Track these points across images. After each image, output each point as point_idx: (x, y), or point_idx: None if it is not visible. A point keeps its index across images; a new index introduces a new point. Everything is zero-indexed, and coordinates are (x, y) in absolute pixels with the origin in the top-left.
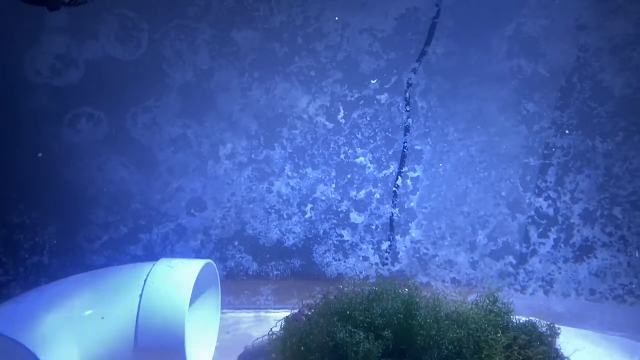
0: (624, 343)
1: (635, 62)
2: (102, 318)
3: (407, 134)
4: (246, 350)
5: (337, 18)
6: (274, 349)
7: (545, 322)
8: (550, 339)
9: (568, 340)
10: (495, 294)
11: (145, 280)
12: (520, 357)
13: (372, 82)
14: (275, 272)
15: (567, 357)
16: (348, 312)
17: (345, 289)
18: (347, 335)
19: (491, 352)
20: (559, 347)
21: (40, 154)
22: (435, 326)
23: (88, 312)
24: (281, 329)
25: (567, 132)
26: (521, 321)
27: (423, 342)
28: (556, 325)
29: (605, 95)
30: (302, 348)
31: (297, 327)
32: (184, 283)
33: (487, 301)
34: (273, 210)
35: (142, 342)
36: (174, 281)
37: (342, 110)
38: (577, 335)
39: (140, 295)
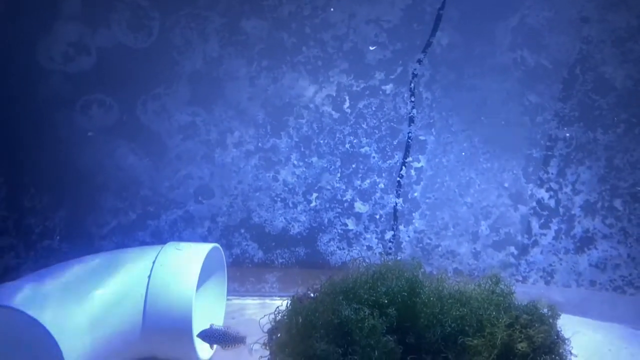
0: (622, 331)
1: (637, 54)
2: (112, 298)
3: (412, 124)
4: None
5: (332, 9)
6: (280, 328)
7: (546, 304)
8: (551, 321)
9: (567, 326)
10: (498, 276)
11: (153, 262)
12: (522, 336)
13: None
14: (281, 260)
15: (567, 339)
16: (353, 291)
17: (351, 270)
18: (352, 312)
19: (493, 330)
20: (560, 329)
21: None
22: (439, 304)
23: (99, 292)
24: (287, 308)
25: (569, 124)
26: (523, 303)
27: (426, 321)
28: (557, 308)
29: (607, 88)
30: (308, 325)
31: (303, 306)
32: (191, 264)
33: (490, 282)
34: (279, 199)
35: (150, 321)
36: (181, 262)
37: (348, 100)
38: (576, 322)
39: (149, 277)
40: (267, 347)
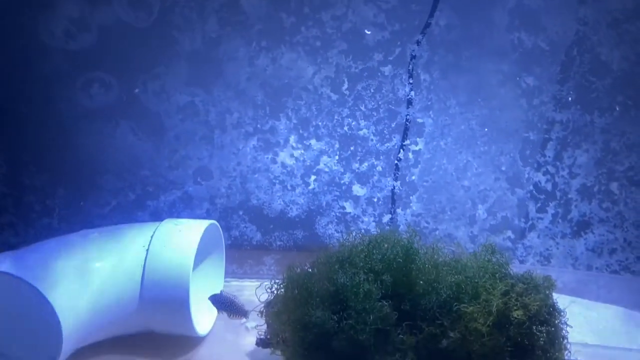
0: (618, 311)
1: (633, 35)
2: (110, 270)
3: (410, 106)
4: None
5: None
6: (276, 296)
7: (541, 275)
8: (547, 291)
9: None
10: (494, 245)
11: (151, 236)
12: (518, 304)
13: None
14: (279, 243)
15: (563, 310)
16: (349, 260)
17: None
18: (348, 279)
19: (489, 297)
20: (555, 301)
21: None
22: (434, 272)
23: (97, 264)
24: (283, 277)
25: (566, 106)
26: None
27: (422, 288)
28: (552, 279)
29: (603, 69)
30: (304, 293)
31: (299, 274)
32: (189, 238)
33: (485, 252)
34: (277, 181)
35: (147, 294)
36: (180, 236)
37: (346, 82)
38: (572, 302)
39: (147, 250)
40: (264, 317)
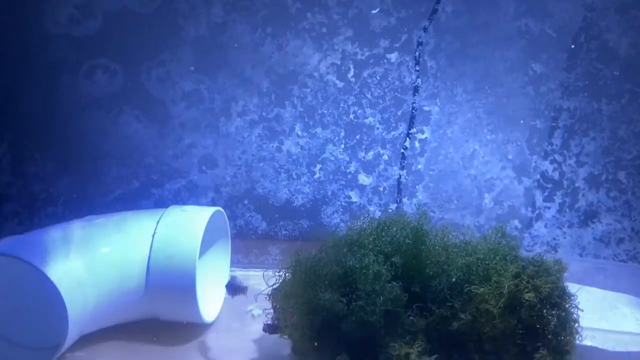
0: (629, 299)
1: None
2: (116, 256)
3: (416, 94)
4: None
5: None
6: (283, 283)
7: (552, 258)
8: (558, 274)
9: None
10: (504, 228)
11: (157, 222)
12: (529, 286)
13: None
14: (284, 232)
15: (574, 295)
16: (358, 242)
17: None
18: (357, 261)
19: (500, 279)
20: (566, 285)
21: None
22: (444, 253)
23: (103, 250)
24: (291, 261)
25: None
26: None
27: (431, 271)
28: (563, 262)
29: (611, 56)
30: (312, 276)
31: (307, 257)
32: (195, 223)
33: (496, 235)
34: (283, 170)
35: (153, 280)
36: (186, 222)
37: (352, 69)
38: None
39: (153, 235)
40: (270, 300)
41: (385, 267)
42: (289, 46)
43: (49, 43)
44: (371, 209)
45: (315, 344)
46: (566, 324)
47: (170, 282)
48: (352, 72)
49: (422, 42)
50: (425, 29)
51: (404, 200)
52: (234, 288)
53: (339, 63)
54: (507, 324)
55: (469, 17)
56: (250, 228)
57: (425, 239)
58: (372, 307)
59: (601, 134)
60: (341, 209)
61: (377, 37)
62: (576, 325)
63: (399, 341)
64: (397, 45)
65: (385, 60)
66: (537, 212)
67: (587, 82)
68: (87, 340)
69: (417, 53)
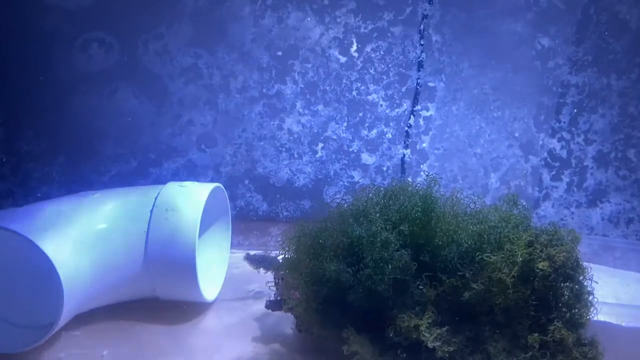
0: (639, 277)
1: None
2: (113, 233)
3: (421, 69)
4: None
5: None
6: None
7: (565, 228)
8: (571, 244)
9: None
10: (516, 196)
11: (156, 198)
12: (543, 255)
13: None
14: (285, 213)
15: (588, 266)
16: (364, 213)
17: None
18: (364, 230)
19: (513, 247)
20: (579, 257)
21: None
22: (454, 221)
23: (100, 226)
24: (296, 231)
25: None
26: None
27: (441, 240)
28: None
29: (621, 29)
30: (317, 247)
31: (311, 229)
32: (195, 199)
33: (507, 203)
34: (284, 149)
35: (152, 258)
36: (185, 198)
37: (355, 43)
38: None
39: (151, 211)
40: (274, 273)
41: (393, 235)
42: (290, 19)
43: (42, 15)
44: None
45: (320, 317)
46: (580, 295)
47: (170, 258)
48: (355, 47)
49: (427, 14)
50: (430, 1)
51: (408, 180)
52: (255, 260)
53: (341, 37)
54: (521, 294)
55: None
56: (250, 209)
57: (434, 207)
58: (380, 275)
59: (610, 111)
60: (344, 189)
61: (381, 10)
62: (590, 297)
63: (408, 312)
64: (401, 18)
65: (389, 34)
66: (544, 191)
67: (596, 57)
68: (83, 319)
69: (421, 26)
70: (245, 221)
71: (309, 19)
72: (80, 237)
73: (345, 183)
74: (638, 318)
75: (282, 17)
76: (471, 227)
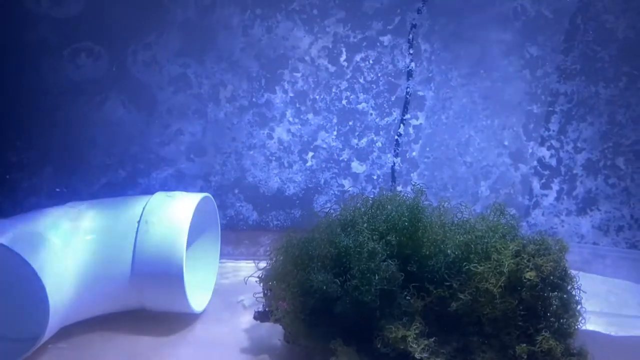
0: (629, 285)
1: (638, 2)
2: (100, 244)
3: (410, 78)
4: None
5: None
6: (275, 265)
7: (553, 237)
8: (559, 254)
9: None
10: (503, 205)
11: (143, 208)
12: (530, 264)
13: None
14: (276, 222)
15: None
16: (352, 223)
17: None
18: (351, 240)
19: (500, 257)
20: (567, 266)
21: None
22: (442, 231)
23: (87, 237)
24: (283, 241)
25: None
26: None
27: (428, 250)
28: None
29: (608, 38)
30: (304, 257)
31: (299, 239)
32: (183, 209)
33: (494, 213)
34: (274, 158)
35: (139, 268)
36: (173, 208)
37: (344, 53)
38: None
39: (139, 222)
40: (262, 283)
41: (380, 245)
42: (279, 28)
43: (30, 25)
44: None
45: (308, 328)
46: (568, 305)
47: (157, 269)
48: (344, 56)
49: (415, 24)
50: (419, 11)
51: (399, 188)
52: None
53: (330, 46)
54: (508, 304)
55: None
56: (240, 218)
57: (421, 217)
58: (367, 286)
59: (599, 119)
60: (334, 198)
61: (370, 19)
62: (578, 307)
63: (395, 323)
64: (390, 27)
65: (378, 43)
66: (534, 199)
67: (584, 65)
68: (70, 331)
69: (410, 36)
70: (235, 231)
71: (298, 28)
72: (67, 248)
73: (336, 192)
74: (627, 327)
75: (271, 26)
76: (458, 237)
